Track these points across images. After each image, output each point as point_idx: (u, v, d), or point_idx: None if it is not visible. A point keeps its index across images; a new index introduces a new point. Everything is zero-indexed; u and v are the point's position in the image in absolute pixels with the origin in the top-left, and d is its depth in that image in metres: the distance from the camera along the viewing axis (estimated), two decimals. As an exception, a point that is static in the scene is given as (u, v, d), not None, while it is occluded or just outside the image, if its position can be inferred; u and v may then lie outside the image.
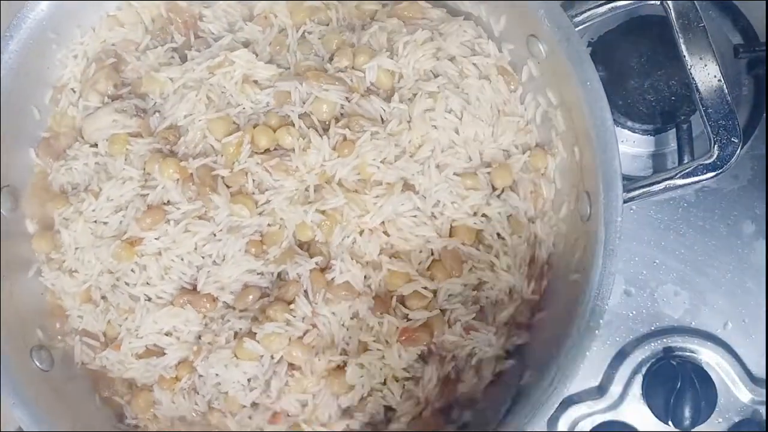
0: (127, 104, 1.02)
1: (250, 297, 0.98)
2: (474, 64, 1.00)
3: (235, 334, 0.98)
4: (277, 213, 0.98)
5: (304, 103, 0.99)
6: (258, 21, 1.06)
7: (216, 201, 0.97)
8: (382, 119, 1.00)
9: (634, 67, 1.17)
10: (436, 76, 1.01)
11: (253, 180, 0.98)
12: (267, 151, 1.00)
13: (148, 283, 0.99)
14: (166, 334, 0.99)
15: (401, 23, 1.04)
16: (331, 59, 1.02)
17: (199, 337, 0.99)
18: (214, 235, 0.98)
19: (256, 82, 1.02)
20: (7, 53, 0.96)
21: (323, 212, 0.97)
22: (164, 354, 0.99)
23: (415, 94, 0.99)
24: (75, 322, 1.02)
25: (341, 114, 1.00)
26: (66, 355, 1.03)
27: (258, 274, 0.98)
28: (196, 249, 0.98)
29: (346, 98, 0.99)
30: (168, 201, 0.99)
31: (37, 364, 0.98)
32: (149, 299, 0.99)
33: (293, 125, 0.99)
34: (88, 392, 1.02)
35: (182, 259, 0.98)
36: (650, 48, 1.18)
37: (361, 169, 0.98)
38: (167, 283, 0.99)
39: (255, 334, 0.95)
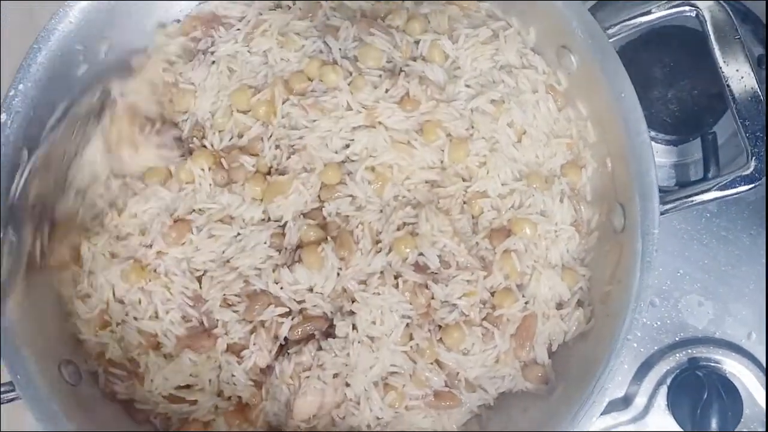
0: (166, 138, 1.02)
1: (257, 306, 0.96)
2: (527, 78, 1.00)
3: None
4: (310, 151, 0.98)
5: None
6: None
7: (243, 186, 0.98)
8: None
9: (657, 78, 1.18)
10: (493, 81, 1.01)
11: (277, 144, 1.00)
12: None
13: (156, 316, 0.98)
14: (186, 387, 0.98)
15: (460, 12, 1.04)
16: (384, 18, 1.03)
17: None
18: (237, 236, 0.98)
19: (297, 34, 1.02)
20: (35, 65, 0.95)
21: (372, 169, 0.97)
22: (196, 402, 0.98)
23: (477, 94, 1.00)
24: (93, 348, 1.01)
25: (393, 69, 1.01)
26: (93, 373, 1.01)
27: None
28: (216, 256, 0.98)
29: (399, 56, 1.00)
30: (193, 210, 0.99)
31: (66, 378, 0.96)
32: (157, 348, 0.98)
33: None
34: (117, 410, 1.00)
35: (185, 273, 0.98)
36: (673, 58, 1.19)
37: (426, 127, 0.98)
38: (173, 312, 0.97)
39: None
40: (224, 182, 1.00)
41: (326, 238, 0.97)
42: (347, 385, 0.96)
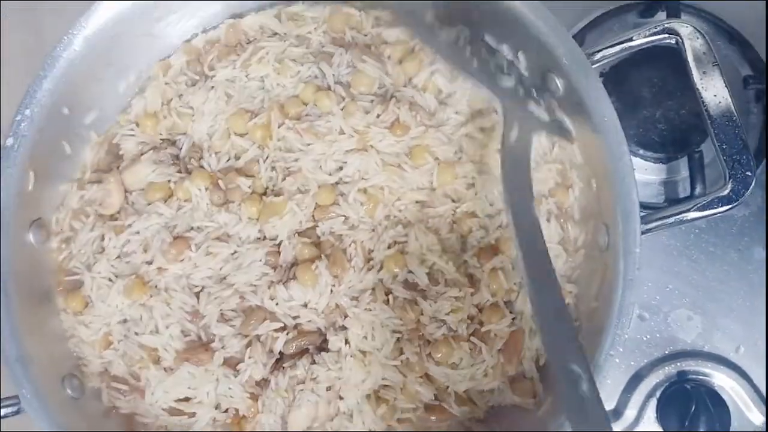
0: (162, 154, 1.06)
1: (253, 321, 0.99)
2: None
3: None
4: (305, 173, 1.01)
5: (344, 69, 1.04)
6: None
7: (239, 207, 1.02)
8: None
9: (646, 97, 1.21)
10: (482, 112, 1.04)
11: (272, 166, 1.03)
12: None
13: (156, 331, 1.01)
14: (185, 400, 1.01)
15: None
16: (378, 47, 1.06)
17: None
18: (233, 253, 1.01)
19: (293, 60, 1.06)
20: (41, 91, 0.99)
21: (364, 191, 1.01)
22: (194, 415, 1.01)
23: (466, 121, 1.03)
24: (96, 368, 1.04)
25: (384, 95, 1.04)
26: (96, 388, 1.04)
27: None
28: (213, 273, 1.01)
29: (389, 83, 1.04)
30: (192, 227, 1.02)
31: (69, 392, 1.00)
32: (157, 362, 1.01)
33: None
34: (120, 424, 1.03)
35: (184, 289, 1.01)
36: (661, 78, 1.21)
37: (415, 152, 1.01)
38: (173, 327, 1.00)
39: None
40: (221, 202, 1.03)
41: (320, 256, 1.00)
42: (340, 398, 0.99)
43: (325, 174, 1.02)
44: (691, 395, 1.14)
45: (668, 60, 1.19)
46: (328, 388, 0.98)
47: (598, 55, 0.95)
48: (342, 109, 1.02)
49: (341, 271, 0.99)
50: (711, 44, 0.92)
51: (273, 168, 1.04)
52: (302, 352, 1.00)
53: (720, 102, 0.92)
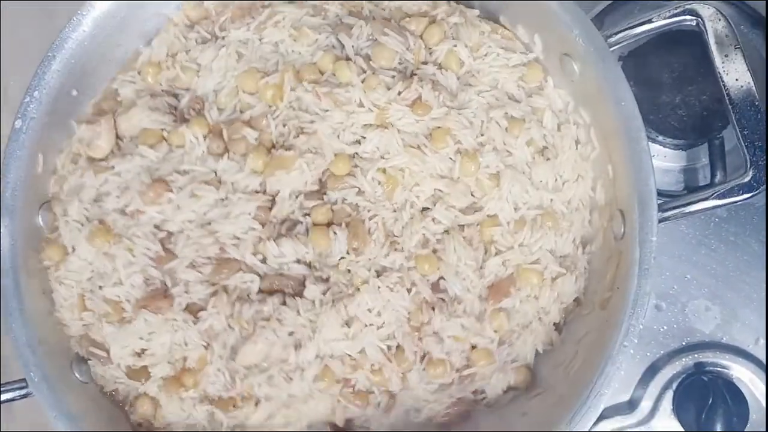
0: (159, 102, 1.03)
1: (225, 271, 0.97)
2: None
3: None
4: (320, 137, 0.98)
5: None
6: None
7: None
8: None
9: (665, 83, 1.18)
10: (513, 98, 1.02)
11: (284, 123, 1.00)
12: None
13: (120, 282, 0.99)
14: (138, 354, 1.00)
15: (495, 34, 1.04)
16: (398, 21, 1.03)
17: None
18: (223, 200, 0.99)
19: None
20: (49, 73, 0.98)
21: (384, 171, 0.98)
22: (149, 378, 1.00)
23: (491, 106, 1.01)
24: (78, 331, 1.02)
25: (405, 71, 1.01)
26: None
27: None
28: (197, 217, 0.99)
29: (411, 58, 1.00)
30: (176, 171, 1.00)
31: (77, 376, 1.00)
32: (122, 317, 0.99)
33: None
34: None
35: (147, 236, 0.98)
36: (681, 63, 1.18)
37: (436, 134, 0.98)
38: (135, 276, 0.98)
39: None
40: (220, 151, 1.00)
41: (335, 223, 0.98)
42: (297, 347, 0.97)
43: (342, 143, 0.99)
44: (709, 387, 1.12)
45: (689, 45, 1.16)
46: (290, 333, 0.96)
47: (617, 37, 0.92)
48: (363, 82, 0.98)
49: (362, 245, 0.96)
50: (733, 26, 0.89)
51: (284, 124, 1.00)
52: (276, 290, 0.98)
53: (742, 86, 0.89)
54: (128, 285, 0.98)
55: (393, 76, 1.00)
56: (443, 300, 0.98)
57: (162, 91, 1.06)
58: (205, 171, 0.99)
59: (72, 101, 1.02)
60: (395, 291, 0.96)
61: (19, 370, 0.95)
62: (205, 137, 1.00)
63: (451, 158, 0.99)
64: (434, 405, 1.01)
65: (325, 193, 1.00)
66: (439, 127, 0.99)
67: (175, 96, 1.06)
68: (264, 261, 0.98)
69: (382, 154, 0.99)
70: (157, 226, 0.99)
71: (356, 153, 1.00)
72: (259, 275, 0.98)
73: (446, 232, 0.99)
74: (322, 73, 1.01)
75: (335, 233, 0.96)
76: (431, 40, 1.02)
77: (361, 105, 0.99)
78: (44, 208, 1.02)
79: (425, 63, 1.02)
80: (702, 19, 0.91)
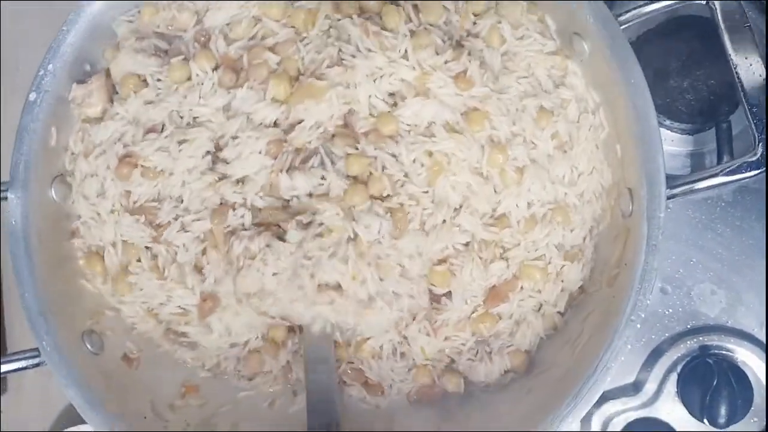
0: (146, 44, 1.01)
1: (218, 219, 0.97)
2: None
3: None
4: (357, 75, 0.94)
5: None
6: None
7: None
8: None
9: (673, 67, 1.18)
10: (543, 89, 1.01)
11: (317, 51, 0.96)
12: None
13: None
14: None
15: (532, 16, 1.02)
16: None
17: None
18: (235, 138, 0.98)
19: None
20: (64, 45, 0.99)
21: (430, 153, 0.95)
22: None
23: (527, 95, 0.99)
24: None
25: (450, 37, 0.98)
26: (113, 344, 1.05)
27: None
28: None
29: (456, 21, 0.98)
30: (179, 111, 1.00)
31: (89, 347, 1.00)
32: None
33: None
34: (136, 380, 1.04)
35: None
36: (690, 48, 1.18)
37: (474, 116, 0.96)
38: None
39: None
40: (232, 84, 0.97)
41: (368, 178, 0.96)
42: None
43: (377, 89, 0.95)
44: (713, 370, 1.12)
45: (697, 29, 1.17)
46: (274, 274, 0.97)
47: (627, 15, 0.93)
48: (412, 35, 0.95)
49: (400, 232, 0.96)
50: (743, 6, 0.90)
51: (318, 52, 0.96)
52: (270, 225, 0.97)
53: (751, 64, 0.90)
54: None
55: (444, 40, 0.97)
56: (438, 307, 1.00)
57: (154, 33, 1.03)
58: (210, 111, 0.98)
59: (86, 76, 1.03)
60: (405, 276, 0.98)
61: (19, 343, 0.95)
62: (214, 69, 0.98)
63: (482, 147, 0.97)
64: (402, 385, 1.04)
65: (358, 141, 0.97)
66: (477, 109, 0.96)
67: (169, 42, 1.03)
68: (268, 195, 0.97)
69: (422, 128, 0.96)
70: None
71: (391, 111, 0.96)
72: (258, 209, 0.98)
73: (466, 244, 0.99)
74: (362, 11, 0.97)
75: (378, 214, 0.95)
76: (476, 8, 1.00)
77: (405, 57, 0.95)
78: (58, 181, 1.03)
79: (468, 34, 1.00)
80: (711, -1, 0.92)
